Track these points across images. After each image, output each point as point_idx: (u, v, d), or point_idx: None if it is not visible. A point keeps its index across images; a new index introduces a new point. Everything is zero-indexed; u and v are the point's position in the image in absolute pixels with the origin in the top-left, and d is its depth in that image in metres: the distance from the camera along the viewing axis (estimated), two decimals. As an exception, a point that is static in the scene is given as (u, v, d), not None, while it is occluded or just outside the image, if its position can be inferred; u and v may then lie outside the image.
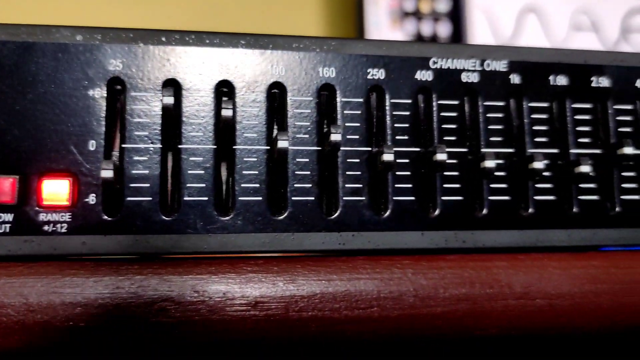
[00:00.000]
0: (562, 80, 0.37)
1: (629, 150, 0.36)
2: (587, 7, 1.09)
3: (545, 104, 0.37)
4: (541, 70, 0.37)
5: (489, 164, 0.34)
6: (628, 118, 0.38)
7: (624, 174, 0.37)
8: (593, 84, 0.37)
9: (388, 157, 0.33)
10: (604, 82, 0.38)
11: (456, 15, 1.05)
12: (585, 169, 0.35)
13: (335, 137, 0.32)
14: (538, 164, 0.35)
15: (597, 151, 0.37)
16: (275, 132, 0.34)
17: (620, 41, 1.09)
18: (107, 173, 0.30)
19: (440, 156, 0.33)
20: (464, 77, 0.36)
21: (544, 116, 0.37)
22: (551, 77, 0.37)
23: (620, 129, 0.38)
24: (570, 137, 0.37)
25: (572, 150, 0.37)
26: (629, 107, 0.38)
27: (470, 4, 1.05)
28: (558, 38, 1.07)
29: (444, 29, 1.04)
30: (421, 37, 1.03)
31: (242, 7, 1.09)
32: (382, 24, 1.03)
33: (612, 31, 1.09)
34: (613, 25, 1.09)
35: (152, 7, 1.05)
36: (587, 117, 0.37)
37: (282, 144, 0.32)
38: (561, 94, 0.37)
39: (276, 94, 0.35)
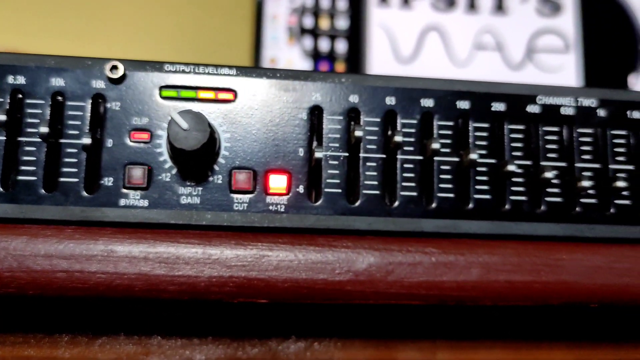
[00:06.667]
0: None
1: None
2: (492, 26, 1.08)
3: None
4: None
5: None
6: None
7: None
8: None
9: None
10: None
11: (355, 33, 1.05)
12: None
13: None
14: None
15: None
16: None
17: (525, 61, 1.08)
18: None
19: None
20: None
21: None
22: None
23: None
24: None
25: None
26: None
27: (371, 22, 1.06)
28: (460, 57, 1.07)
29: (342, 47, 1.05)
30: (318, 53, 1.04)
31: (181, 30, 1.11)
32: (280, 40, 1.04)
33: (517, 51, 1.08)
34: (518, 45, 1.09)
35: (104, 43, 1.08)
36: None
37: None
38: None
39: None
